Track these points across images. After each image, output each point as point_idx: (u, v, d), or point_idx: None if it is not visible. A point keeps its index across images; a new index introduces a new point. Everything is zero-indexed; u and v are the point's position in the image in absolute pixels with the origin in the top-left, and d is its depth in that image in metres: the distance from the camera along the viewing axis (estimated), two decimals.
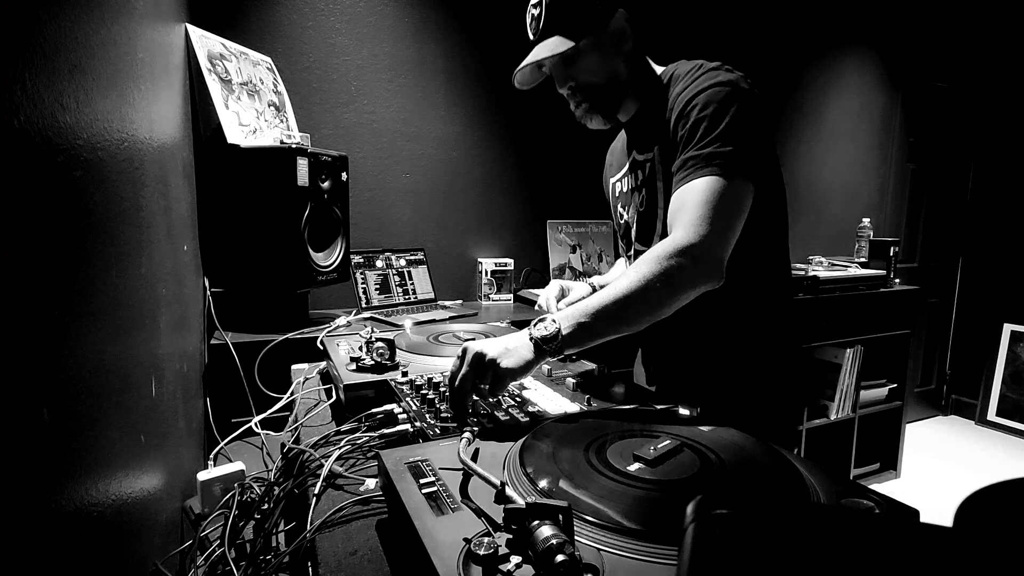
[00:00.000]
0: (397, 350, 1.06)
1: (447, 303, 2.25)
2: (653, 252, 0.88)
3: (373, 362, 1.00)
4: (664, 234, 0.95)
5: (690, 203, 0.90)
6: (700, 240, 0.87)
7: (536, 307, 1.22)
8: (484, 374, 0.81)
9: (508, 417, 0.78)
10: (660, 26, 2.71)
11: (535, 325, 0.85)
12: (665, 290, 0.86)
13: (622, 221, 1.19)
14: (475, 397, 0.84)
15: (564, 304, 1.20)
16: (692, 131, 0.94)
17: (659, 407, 0.83)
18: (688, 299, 0.89)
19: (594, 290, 1.29)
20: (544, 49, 0.99)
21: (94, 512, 0.65)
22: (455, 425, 0.76)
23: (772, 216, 1.04)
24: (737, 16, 2.95)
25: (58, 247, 0.58)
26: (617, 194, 1.20)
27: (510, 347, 0.83)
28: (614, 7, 1.01)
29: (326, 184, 1.75)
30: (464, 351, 0.83)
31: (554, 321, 0.84)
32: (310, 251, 1.72)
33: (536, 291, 2.39)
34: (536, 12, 1.01)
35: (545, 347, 0.82)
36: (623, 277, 0.87)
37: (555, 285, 1.22)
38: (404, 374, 0.96)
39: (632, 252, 1.15)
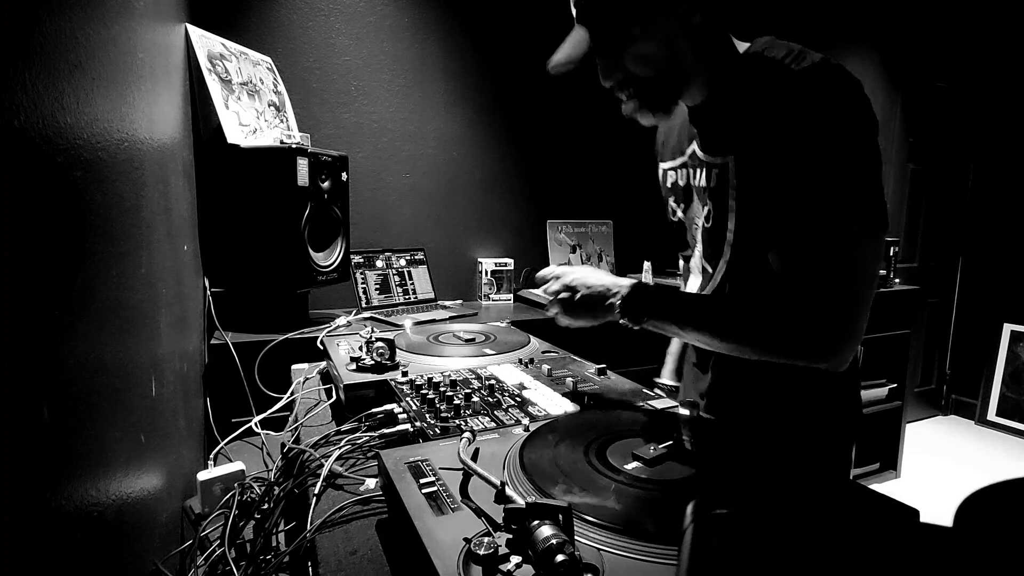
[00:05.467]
0: (397, 350, 1.06)
1: (447, 303, 2.25)
2: (783, 313, 0.79)
3: (373, 362, 1.00)
4: (734, 260, 0.88)
5: (827, 266, 0.75)
6: (840, 331, 0.76)
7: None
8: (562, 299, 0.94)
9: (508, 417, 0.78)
10: None
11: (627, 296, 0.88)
12: (774, 358, 0.80)
13: (674, 218, 1.03)
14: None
15: None
16: (808, 160, 0.75)
17: (660, 407, 0.83)
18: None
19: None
20: (580, 37, 0.83)
21: (94, 512, 0.65)
22: (455, 425, 0.76)
23: None
24: (737, 16, 2.95)
25: (58, 247, 0.58)
26: (669, 184, 1.02)
27: (594, 284, 0.91)
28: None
29: (326, 184, 1.75)
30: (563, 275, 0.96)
31: (654, 293, 0.88)
32: (310, 251, 1.72)
33: (538, 292, 2.39)
34: None
35: (628, 306, 0.87)
36: (741, 309, 0.83)
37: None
38: (404, 374, 0.96)
39: (700, 267, 0.98)
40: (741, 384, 0.94)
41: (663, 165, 1.04)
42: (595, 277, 0.93)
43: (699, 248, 0.97)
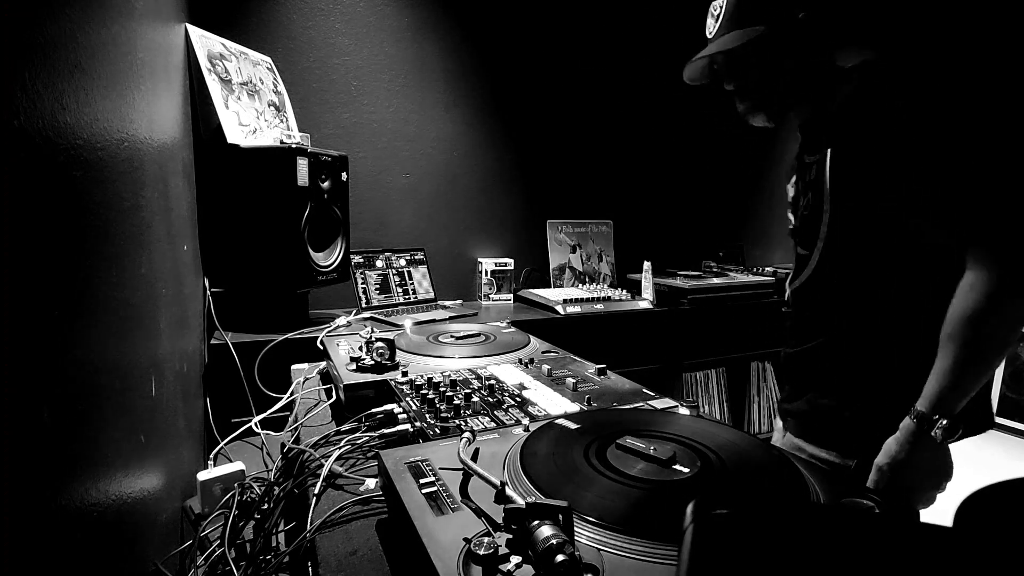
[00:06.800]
0: (397, 350, 1.06)
1: (447, 303, 2.25)
2: (974, 295, 0.85)
3: (373, 362, 1.00)
4: (828, 239, 1.00)
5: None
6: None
7: None
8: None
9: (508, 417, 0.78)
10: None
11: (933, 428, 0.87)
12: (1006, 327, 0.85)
13: (790, 227, 1.16)
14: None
15: None
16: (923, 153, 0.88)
17: (660, 407, 0.83)
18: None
19: None
20: (711, 47, 1.03)
21: (94, 512, 0.65)
22: (455, 425, 0.76)
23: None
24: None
25: (58, 247, 0.58)
26: (789, 200, 1.18)
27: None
28: (792, 5, 0.98)
29: (326, 184, 1.75)
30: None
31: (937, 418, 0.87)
32: (310, 251, 1.72)
33: (537, 291, 2.39)
34: (714, 10, 1.05)
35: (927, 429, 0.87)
36: (958, 336, 0.85)
37: None
38: (404, 374, 0.96)
39: (795, 255, 1.11)
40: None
41: (787, 187, 1.20)
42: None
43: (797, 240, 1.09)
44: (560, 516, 0.44)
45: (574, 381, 0.93)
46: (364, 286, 2.05)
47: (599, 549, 0.46)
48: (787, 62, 1.01)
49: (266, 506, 0.75)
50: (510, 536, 0.45)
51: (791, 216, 1.16)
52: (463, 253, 2.49)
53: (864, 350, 1.00)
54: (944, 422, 0.86)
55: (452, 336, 1.27)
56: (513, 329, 1.35)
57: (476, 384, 0.92)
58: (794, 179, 1.14)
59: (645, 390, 0.92)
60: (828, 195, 0.99)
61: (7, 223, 0.47)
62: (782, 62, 1.01)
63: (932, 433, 0.86)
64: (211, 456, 1.12)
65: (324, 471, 0.74)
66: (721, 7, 1.03)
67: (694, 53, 1.07)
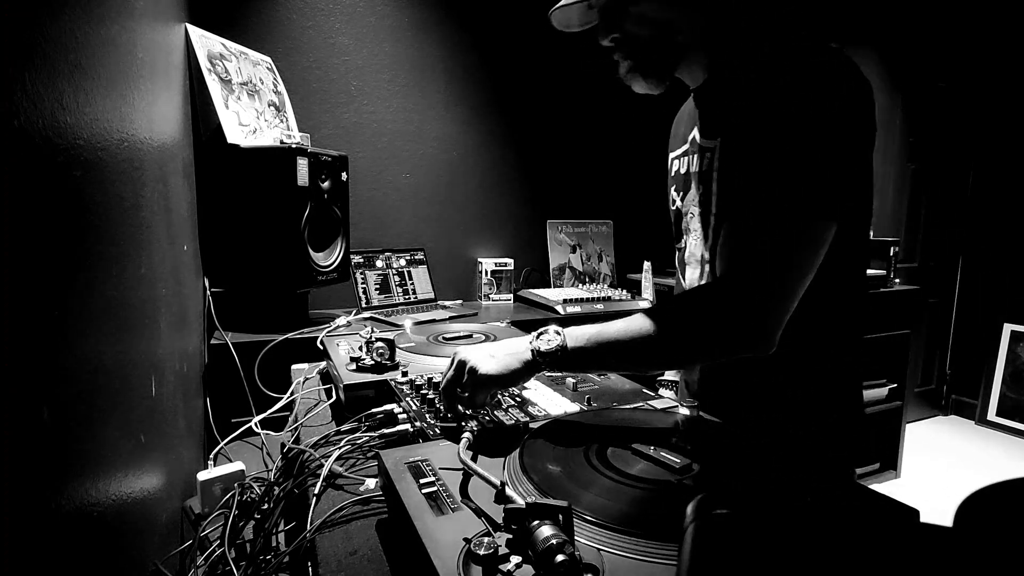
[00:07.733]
0: (397, 350, 1.06)
1: (447, 303, 2.25)
2: (698, 302, 0.77)
3: (373, 362, 1.00)
4: (714, 246, 0.84)
5: (752, 249, 0.74)
6: (758, 308, 0.72)
7: None
8: (463, 380, 0.77)
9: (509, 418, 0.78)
10: None
11: (539, 335, 0.78)
12: (698, 353, 0.78)
13: (672, 207, 1.00)
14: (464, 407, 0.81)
15: None
16: (765, 146, 0.74)
17: (660, 407, 0.83)
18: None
19: None
20: None
21: (94, 512, 0.65)
22: (455, 425, 0.76)
23: (849, 251, 0.79)
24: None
25: (58, 247, 0.58)
26: (672, 173, 0.99)
27: (497, 354, 0.78)
28: None
29: (326, 184, 1.75)
30: (453, 355, 0.81)
31: (559, 335, 0.77)
32: (310, 251, 1.72)
33: (537, 291, 2.39)
34: None
35: (541, 360, 0.77)
36: (657, 316, 0.76)
37: None
38: (404, 374, 0.96)
39: (698, 257, 0.92)
40: (734, 384, 0.89)
41: (671, 154, 1.02)
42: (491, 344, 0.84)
43: (696, 237, 0.91)
44: (560, 516, 0.44)
45: (574, 381, 0.93)
46: (364, 286, 2.06)
47: (599, 549, 0.46)
48: (682, 17, 0.81)
49: (266, 506, 0.75)
50: (510, 536, 0.45)
51: (675, 196, 0.98)
52: (463, 253, 2.49)
53: (780, 370, 0.84)
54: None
55: (452, 336, 1.27)
56: (513, 329, 1.35)
57: None
58: (682, 153, 0.96)
59: (645, 390, 0.92)
60: (715, 195, 0.84)
61: (7, 223, 0.47)
62: (675, 17, 0.81)
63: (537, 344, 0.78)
64: (211, 456, 1.12)
65: (324, 471, 0.74)
66: None
67: None
